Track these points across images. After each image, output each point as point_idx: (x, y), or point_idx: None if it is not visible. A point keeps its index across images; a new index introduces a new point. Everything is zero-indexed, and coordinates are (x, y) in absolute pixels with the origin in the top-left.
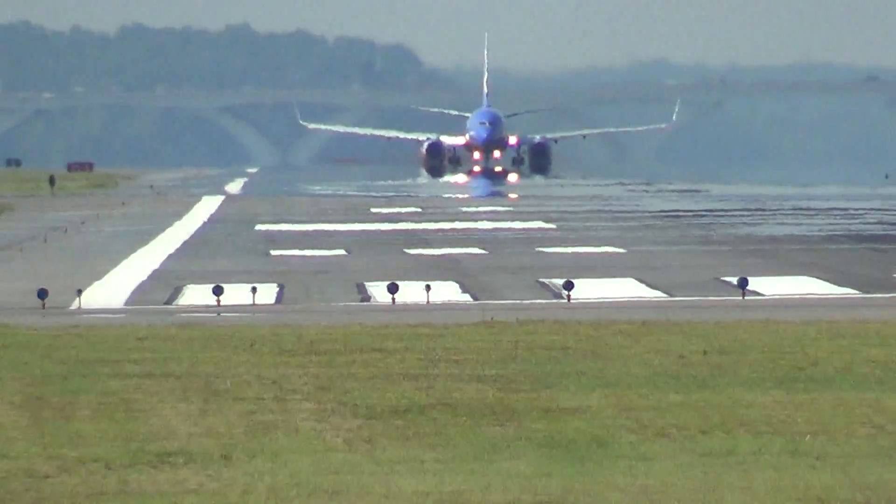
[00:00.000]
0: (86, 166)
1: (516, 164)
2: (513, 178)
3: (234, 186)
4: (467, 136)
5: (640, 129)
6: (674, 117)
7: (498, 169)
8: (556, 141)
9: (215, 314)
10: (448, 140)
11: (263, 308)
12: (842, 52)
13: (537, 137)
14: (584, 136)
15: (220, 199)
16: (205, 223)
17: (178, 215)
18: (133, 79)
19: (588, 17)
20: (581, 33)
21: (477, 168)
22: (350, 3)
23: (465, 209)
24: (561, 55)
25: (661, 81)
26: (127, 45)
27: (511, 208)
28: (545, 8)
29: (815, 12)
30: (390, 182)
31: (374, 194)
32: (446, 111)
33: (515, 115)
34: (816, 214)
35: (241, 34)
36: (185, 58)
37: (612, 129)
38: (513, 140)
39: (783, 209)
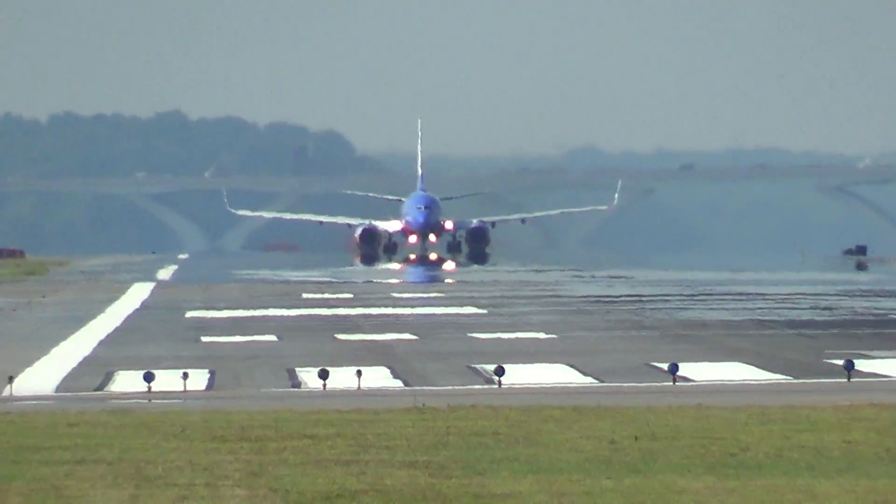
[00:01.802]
0: (16, 253)
1: (452, 248)
2: (449, 265)
3: (165, 273)
4: (403, 221)
5: (580, 210)
6: (615, 199)
7: (433, 256)
8: (493, 225)
9: (146, 400)
10: (383, 225)
11: (194, 394)
12: (772, 137)
13: (474, 221)
14: (524, 221)
15: (150, 285)
16: (136, 310)
17: (110, 302)
18: (64, 166)
19: (517, 104)
20: (511, 120)
21: (412, 255)
22: (281, 88)
23: (396, 294)
24: (491, 141)
25: (592, 168)
26: (57, 132)
27: (442, 294)
28: (475, 95)
29: (745, 98)
30: (322, 271)
31: (305, 280)
32: (381, 196)
33: (451, 198)
34: (747, 299)
35: (171, 120)
36: (116, 145)
37: (552, 212)
38: (449, 225)
39: (714, 294)
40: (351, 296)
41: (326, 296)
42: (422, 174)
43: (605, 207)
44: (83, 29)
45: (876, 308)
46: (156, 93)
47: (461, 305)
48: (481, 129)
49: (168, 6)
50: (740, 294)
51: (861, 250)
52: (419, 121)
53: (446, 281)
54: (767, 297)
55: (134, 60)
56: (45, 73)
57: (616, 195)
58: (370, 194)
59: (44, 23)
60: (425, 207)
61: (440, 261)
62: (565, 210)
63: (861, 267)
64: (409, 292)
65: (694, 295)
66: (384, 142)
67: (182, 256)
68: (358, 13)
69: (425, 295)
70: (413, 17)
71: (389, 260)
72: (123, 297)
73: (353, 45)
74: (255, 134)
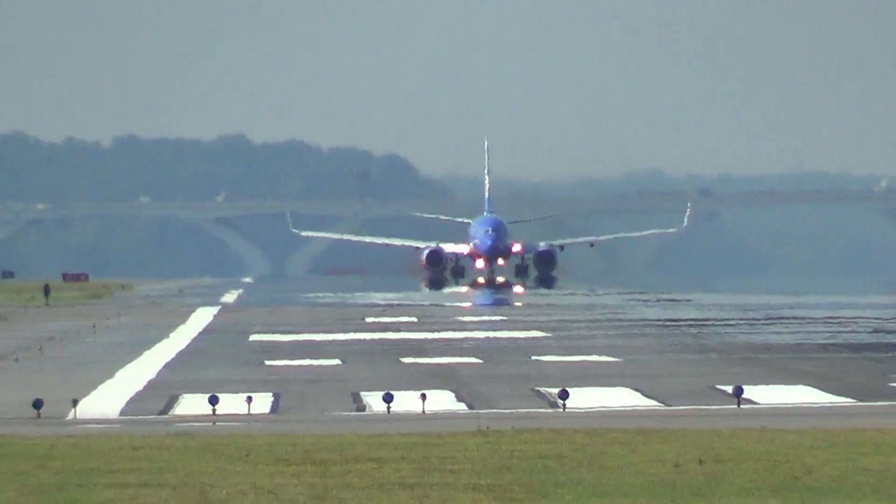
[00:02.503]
0: (81, 277)
1: (520, 272)
2: (518, 289)
3: (230, 297)
4: (471, 244)
5: (648, 233)
6: (685, 222)
7: (501, 280)
8: (561, 248)
9: (211, 423)
10: (449, 248)
11: (259, 417)
12: (836, 161)
13: (542, 245)
14: (592, 244)
15: (215, 309)
16: (200, 333)
17: (174, 326)
18: (127, 189)
19: (582, 127)
20: (576, 143)
21: (480, 279)
22: (344, 113)
23: (460, 318)
24: (555, 165)
25: (656, 191)
26: (120, 155)
27: (506, 317)
28: (539, 118)
29: (809, 121)
30: (387, 295)
31: (373, 304)
32: (448, 218)
33: (517, 222)
34: (811, 323)
35: (235, 144)
36: (179, 168)
37: (621, 235)
38: (517, 247)
39: (778, 318)
40: (415, 319)
41: (391, 319)
42: (488, 196)
43: (673, 230)
44: (147, 52)
45: None
46: (219, 116)
47: (526, 329)
48: (544, 152)
49: (233, 31)
50: (805, 318)
51: None
52: (486, 141)
53: (512, 304)
54: (832, 320)
55: (198, 84)
56: (108, 97)
57: (686, 218)
58: (437, 216)
59: (107, 47)
60: (493, 230)
61: (507, 285)
62: (634, 233)
63: None
64: (472, 315)
65: (758, 318)
66: (447, 165)
67: (246, 280)
68: (421, 38)
69: (489, 318)
70: (476, 42)
71: (457, 284)
72: (188, 321)
73: (416, 69)
74: (318, 158)
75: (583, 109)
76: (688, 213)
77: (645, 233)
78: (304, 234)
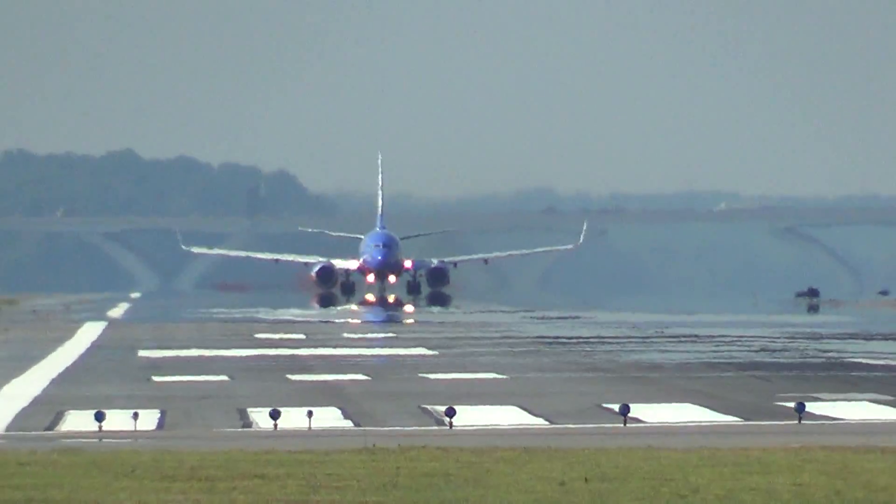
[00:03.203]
0: None
1: (412, 289)
2: (409, 308)
3: (117, 312)
4: (361, 260)
5: (543, 250)
6: (581, 238)
7: (392, 298)
8: (455, 265)
9: (97, 440)
10: (340, 263)
11: (145, 434)
12: (724, 180)
13: (434, 261)
14: (486, 261)
15: (102, 324)
16: (87, 349)
17: (61, 341)
18: (15, 204)
19: (471, 144)
20: (467, 161)
21: (370, 296)
22: (234, 129)
23: (348, 335)
24: (446, 182)
25: (545, 209)
26: (9, 170)
27: (394, 334)
28: (427, 135)
29: (698, 141)
30: (277, 312)
31: (258, 320)
32: (339, 234)
33: (409, 237)
34: (699, 341)
35: (123, 160)
36: (68, 184)
37: (515, 252)
38: (408, 264)
39: (665, 336)
40: (303, 336)
41: (278, 336)
42: (381, 212)
43: (569, 247)
44: (34, 66)
45: (827, 350)
46: (108, 132)
47: (413, 346)
48: (432, 169)
49: (120, 45)
50: (692, 336)
51: (813, 293)
52: (379, 155)
53: (401, 322)
54: (719, 338)
55: (86, 99)
56: None
57: (582, 235)
58: (327, 232)
59: None
60: (384, 246)
61: (398, 303)
62: (528, 250)
63: (813, 309)
64: (360, 332)
65: (646, 336)
66: (336, 182)
67: (134, 295)
68: (309, 53)
69: (377, 335)
70: (364, 57)
71: (347, 301)
72: (75, 337)
73: (304, 85)
74: (208, 174)
75: (472, 126)
76: (584, 230)
77: (540, 249)
78: (194, 250)
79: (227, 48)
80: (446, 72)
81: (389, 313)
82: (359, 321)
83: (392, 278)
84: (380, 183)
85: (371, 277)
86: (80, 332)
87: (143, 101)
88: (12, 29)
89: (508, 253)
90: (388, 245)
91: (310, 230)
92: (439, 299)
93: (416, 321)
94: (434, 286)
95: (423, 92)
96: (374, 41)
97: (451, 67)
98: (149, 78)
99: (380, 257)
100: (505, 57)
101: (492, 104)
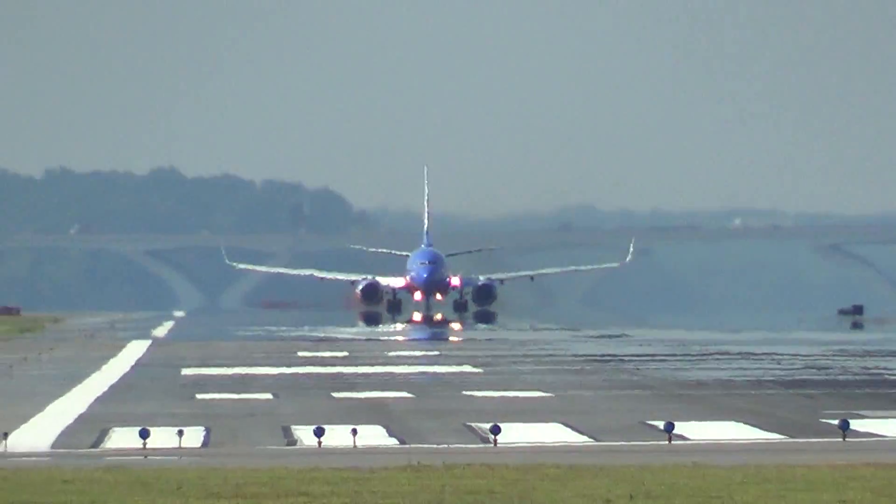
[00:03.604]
0: (12, 310)
1: (459, 307)
2: (455, 326)
3: (161, 330)
4: (407, 277)
5: (590, 268)
6: (629, 257)
7: (438, 316)
8: (501, 282)
9: (142, 457)
10: (386, 281)
11: (190, 451)
12: (768, 198)
13: (481, 279)
14: (532, 278)
15: (146, 343)
16: (132, 367)
17: (105, 359)
18: (59, 222)
19: (514, 162)
20: (508, 179)
21: (417, 315)
22: (277, 146)
23: (391, 353)
24: (488, 200)
25: (589, 227)
26: (52, 188)
27: (438, 352)
28: (471, 153)
29: (740, 158)
30: (323, 330)
31: (302, 337)
32: (385, 251)
33: (455, 254)
34: (743, 359)
35: (167, 177)
36: (111, 201)
37: (561, 269)
38: (455, 281)
39: (710, 354)
40: (346, 354)
41: (322, 354)
42: (427, 229)
43: (616, 265)
44: (78, 84)
45: (872, 367)
46: (151, 150)
47: (458, 364)
48: (477, 187)
49: (164, 64)
50: (736, 353)
51: (857, 310)
52: (426, 170)
53: (446, 339)
54: (763, 356)
55: (130, 117)
56: (40, 129)
57: (630, 253)
58: (374, 249)
59: (39, 78)
60: (430, 263)
61: (445, 322)
62: (576, 267)
63: (857, 326)
64: (404, 350)
65: (690, 354)
66: (380, 199)
67: (178, 314)
68: (353, 71)
69: (422, 353)
70: (407, 74)
71: (393, 320)
72: (120, 355)
73: (347, 102)
74: (251, 191)
75: (515, 143)
76: (631, 248)
77: (586, 267)
78: (239, 266)
79: (270, 66)
80: (490, 91)
81: (435, 331)
82: (403, 338)
83: (439, 296)
84: (426, 198)
85: (418, 295)
86: (124, 350)
87: (186, 118)
88: (56, 46)
89: (555, 270)
90: (435, 262)
91: (357, 247)
92: (486, 317)
93: (461, 339)
94: (481, 304)
95: (465, 111)
96: (419, 60)
97: (495, 86)
98: (192, 96)
99: (426, 275)
100: (548, 76)
101: (533, 120)
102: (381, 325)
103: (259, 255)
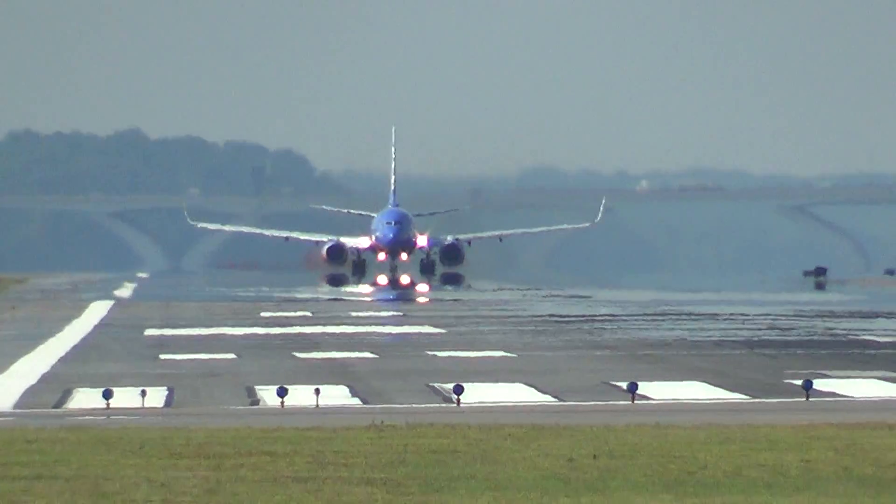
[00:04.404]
0: None
1: (426, 268)
2: (422, 288)
3: (125, 291)
4: (372, 237)
5: (562, 227)
6: (599, 216)
7: (405, 280)
8: (469, 243)
9: (105, 417)
10: (351, 241)
11: (153, 411)
12: (731, 159)
13: (449, 238)
14: (501, 239)
15: (110, 303)
16: (94, 327)
17: (68, 320)
18: (22, 184)
19: (474, 123)
20: (471, 140)
21: (382, 278)
22: (240, 108)
23: (355, 313)
24: (451, 162)
25: (550, 187)
26: (15, 149)
27: (401, 313)
28: (433, 115)
29: (705, 118)
30: (284, 291)
31: (265, 298)
32: (350, 211)
33: (422, 215)
34: (706, 319)
35: (131, 139)
36: (75, 163)
37: (532, 230)
38: (422, 241)
39: (673, 314)
40: (309, 314)
41: (285, 314)
42: (394, 188)
43: (586, 225)
44: (41, 46)
45: (835, 328)
46: (114, 111)
47: (420, 324)
48: (437, 149)
49: (126, 25)
50: (700, 314)
51: (821, 271)
52: (393, 129)
53: (410, 301)
54: (727, 317)
55: (93, 78)
56: (1, 90)
57: (600, 213)
58: (339, 209)
59: (0, 39)
60: (395, 223)
61: (412, 285)
62: (544, 228)
63: (821, 287)
64: (368, 311)
65: (653, 314)
66: (343, 161)
67: (141, 275)
68: (316, 31)
69: (384, 314)
70: (369, 34)
71: (358, 281)
72: (83, 315)
73: (310, 63)
74: (215, 153)
75: (476, 104)
76: (602, 207)
77: (556, 227)
78: (199, 225)
79: (232, 26)
80: (452, 51)
81: (399, 292)
82: (367, 299)
83: (405, 256)
84: (393, 158)
85: (382, 255)
86: (87, 310)
87: (149, 80)
88: (18, 8)
89: (524, 230)
90: (401, 222)
91: (322, 207)
92: (453, 280)
93: (424, 300)
94: (448, 264)
95: (428, 72)
96: (380, 19)
97: (457, 46)
98: (155, 57)
99: (391, 235)
100: (510, 35)
101: (493, 80)
102: (344, 287)
103: (223, 216)
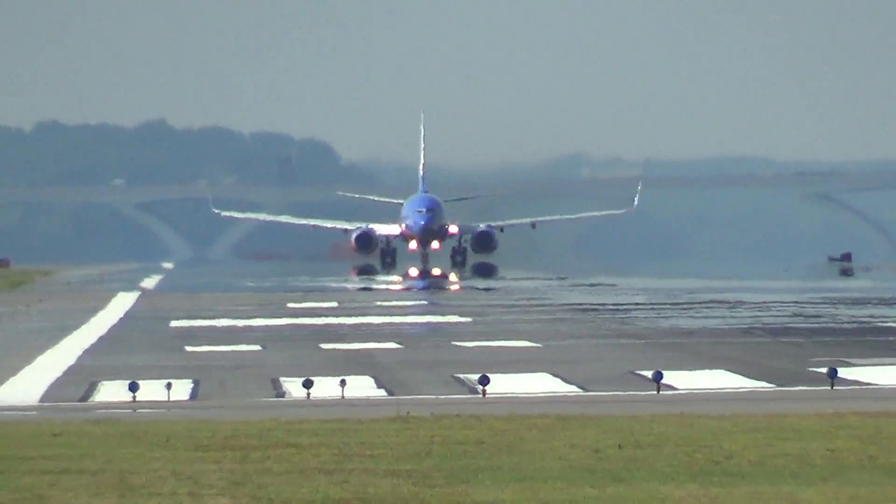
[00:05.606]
0: (2, 263)
1: (457, 256)
2: (453, 278)
3: (150, 282)
4: (402, 225)
5: (597, 214)
6: (635, 202)
7: (437, 271)
8: (501, 230)
9: (130, 410)
10: (380, 229)
11: (178, 404)
12: (757, 146)
13: (481, 226)
14: (534, 225)
15: (135, 295)
16: (120, 319)
17: (94, 311)
18: (48, 175)
19: (504, 111)
20: (500, 127)
21: (413, 269)
22: (266, 98)
23: (380, 303)
24: (480, 149)
25: (578, 175)
26: (42, 140)
27: (426, 302)
28: (461, 103)
29: (730, 106)
30: (314, 281)
31: (292, 288)
32: (378, 198)
33: (449, 201)
34: (731, 307)
35: (156, 129)
36: (101, 154)
37: (566, 217)
38: (454, 229)
39: (698, 302)
40: (335, 304)
41: (312, 305)
42: (423, 175)
43: (623, 211)
44: (67, 37)
45: (860, 315)
46: (141, 102)
47: (446, 314)
48: (466, 136)
49: (152, 16)
50: (724, 302)
51: (846, 258)
52: (422, 115)
53: (439, 290)
54: (751, 304)
55: (119, 70)
56: (29, 82)
57: (636, 199)
58: (366, 196)
59: (27, 31)
60: (427, 210)
61: (443, 276)
62: (581, 214)
63: (846, 274)
64: (394, 300)
65: (678, 303)
66: (369, 150)
67: (167, 266)
68: (342, 19)
69: (411, 303)
70: (396, 22)
71: (388, 272)
72: (108, 307)
73: (337, 52)
74: (241, 143)
75: (505, 92)
76: (637, 194)
77: (592, 213)
78: (224, 214)
79: (258, 16)
80: (479, 38)
81: (427, 281)
82: (393, 288)
83: (435, 244)
84: (422, 145)
85: (413, 244)
86: (113, 302)
87: (175, 71)
88: (45, 1)
89: (559, 217)
90: (432, 209)
91: (348, 195)
92: (486, 271)
93: (454, 287)
94: (480, 252)
95: (455, 60)
96: (407, 6)
97: (485, 32)
98: (181, 48)
99: (423, 222)
100: (539, 21)
101: (523, 70)
102: (375, 277)
103: (249, 205)
